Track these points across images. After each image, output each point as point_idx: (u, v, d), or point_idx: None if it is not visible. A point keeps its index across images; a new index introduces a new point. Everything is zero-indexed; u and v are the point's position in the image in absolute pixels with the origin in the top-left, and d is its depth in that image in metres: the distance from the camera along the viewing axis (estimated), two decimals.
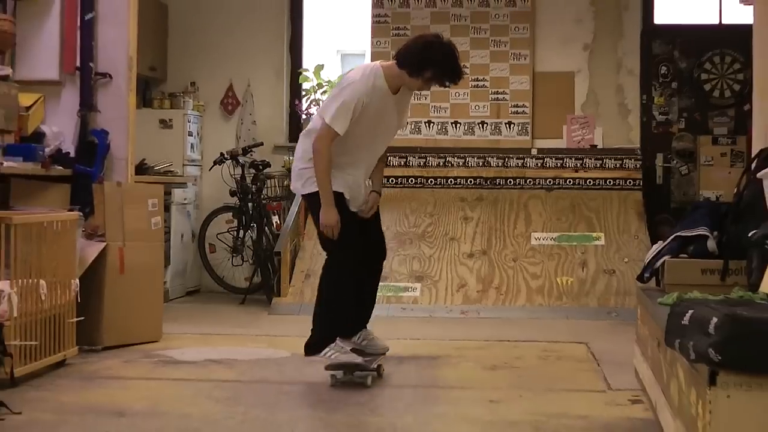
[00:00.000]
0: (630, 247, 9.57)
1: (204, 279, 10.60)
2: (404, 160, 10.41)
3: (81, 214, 6.81)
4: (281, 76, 11.04)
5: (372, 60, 10.81)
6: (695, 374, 3.74)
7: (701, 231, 6.27)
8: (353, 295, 6.08)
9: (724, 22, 10.95)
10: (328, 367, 5.71)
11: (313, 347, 6.01)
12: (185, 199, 10.25)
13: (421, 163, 10.51)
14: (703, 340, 3.60)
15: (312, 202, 6.14)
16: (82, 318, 6.49)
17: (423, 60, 5.91)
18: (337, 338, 5.89)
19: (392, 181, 10.15)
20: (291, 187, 6.59)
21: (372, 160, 6.28)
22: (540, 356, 6.95)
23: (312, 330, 6.18)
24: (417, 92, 6.66)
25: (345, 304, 6.04)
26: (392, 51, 10.57)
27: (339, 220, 5.88)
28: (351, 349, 5.84)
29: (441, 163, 10.47)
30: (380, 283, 9.09)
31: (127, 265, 7.03)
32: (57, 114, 7.34)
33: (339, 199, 5.98)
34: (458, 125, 10.76)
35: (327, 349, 5.84)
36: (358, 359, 5.72)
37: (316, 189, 5.94)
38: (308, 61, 11.23)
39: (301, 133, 6.45)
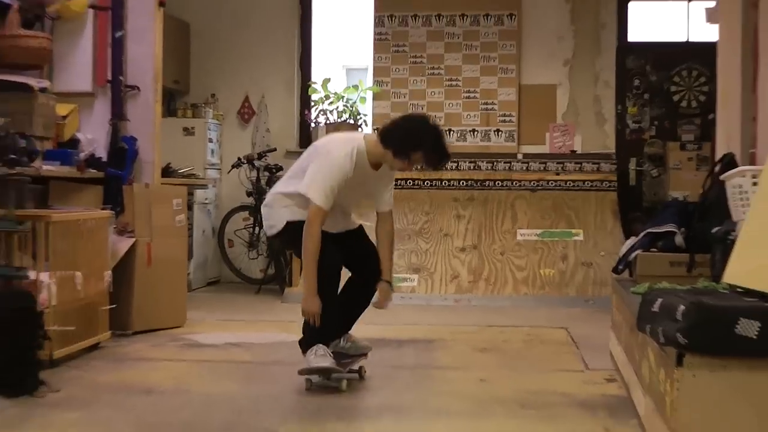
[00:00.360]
0: (606, 242, 9.58)
1: (223, 271, 10.61)
2: None
3: (112, 212, 6.82)
4: (292, 88, 11.05)
5: (373, 75, 10.90)
6: (664, 356, 3.76)
7: (670, 227, 6.29)
8: (336, 304, 5.27)
9: (691, 39, 10.96)
10: (301, 372, 5.20)
11: (301, 346, 5.34)
12: (206, 199, 10.27)
13: (418, 167, 10.49)
14: (671, 325, 3.62)
15: (285, 234, 5.43)
16: (114, 306, 6.52)
17: (412, 142, 5.18)
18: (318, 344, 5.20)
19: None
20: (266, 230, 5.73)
21: (345, 212, 5.56)
22: (524, 340, 6.97)
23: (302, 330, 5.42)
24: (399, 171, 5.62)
25: (328, 314, 5.17)
26: (393, 66, 10.76)
27: (321, 307, 5.10)
28: (334, 353, 5.25)
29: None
30: None
31: (154, 258, 7.06)
32: (90, 122, 7.34)
33: None
34: (451, 132, 10.73)
35: (308, 352, 5.20)
36: (331, 363, 5.14)
37: (285, 222, 5.32)
38: (316, 75, 11.21)
39: (277, 192, 5.57)
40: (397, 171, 5.55)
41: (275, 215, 5.42)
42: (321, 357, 5.14)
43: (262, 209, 5.63)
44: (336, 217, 5.37)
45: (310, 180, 5.15)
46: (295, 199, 5.29)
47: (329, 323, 5.22)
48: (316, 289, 5.09)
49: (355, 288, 5.57)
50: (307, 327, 5.28)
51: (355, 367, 5.44)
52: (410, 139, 5.18)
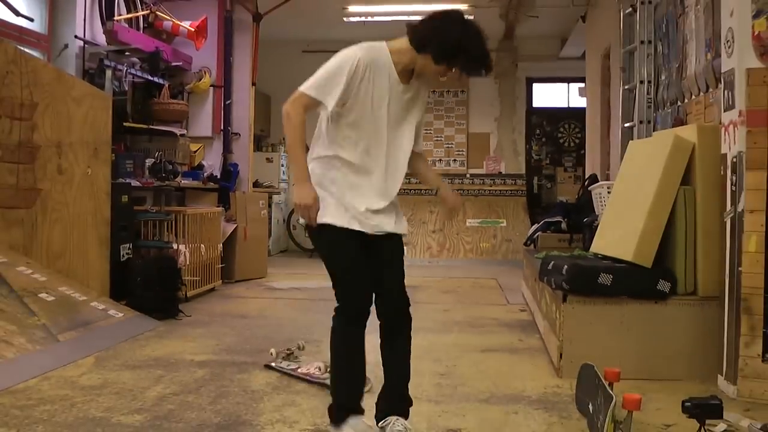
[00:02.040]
0: (519, 227, 9.56)
1: (289, 244, 10.53)
2: None
3: (223, 208, 6.82)
4: None
5: None
6: (555, 296, 3.74)
7: (558, 218, 6.28)
8: (363, 359, 2.59)
9: (570, 105, 10.92)
10: None
11: (332, 417, 2.56)
12: (279, 200, 10.21)
13: (407, 181, 10.45)
14: (559, 277, 3.61)
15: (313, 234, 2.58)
16: (224, 264, 6.52)
17: (458, 43, 2.39)
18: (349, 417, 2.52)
19: None
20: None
21: (390, 168, 2.61)
22: (471, 285, 6.95)
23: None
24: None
25: (353, 370, 2.58)
26: None
27: (316, 198, 2.46)
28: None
29: (417, 182, 10.46)
30: None
31: (248, 235, 7.03)
32: (211, 154, 7.32)
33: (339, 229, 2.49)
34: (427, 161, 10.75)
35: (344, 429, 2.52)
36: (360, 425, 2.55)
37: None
38: None
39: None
40: (434, 79, 2.60)
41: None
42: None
43: None
44: (368, 170, 2.56)
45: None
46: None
47: (355, 380, 2.59)
48: (307, 176, 2.51)
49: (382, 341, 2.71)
50: (334, 388, 2.60)
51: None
52: (456, 40, 2.40)
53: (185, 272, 5.52)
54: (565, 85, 10.95)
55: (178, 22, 6.72)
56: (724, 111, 3.31)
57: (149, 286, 4.87)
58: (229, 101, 7.39)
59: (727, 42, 3.28)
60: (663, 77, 4.84)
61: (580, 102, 9.90)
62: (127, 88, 6.03)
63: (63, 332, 3.86)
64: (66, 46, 5.58)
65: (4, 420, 2.78)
